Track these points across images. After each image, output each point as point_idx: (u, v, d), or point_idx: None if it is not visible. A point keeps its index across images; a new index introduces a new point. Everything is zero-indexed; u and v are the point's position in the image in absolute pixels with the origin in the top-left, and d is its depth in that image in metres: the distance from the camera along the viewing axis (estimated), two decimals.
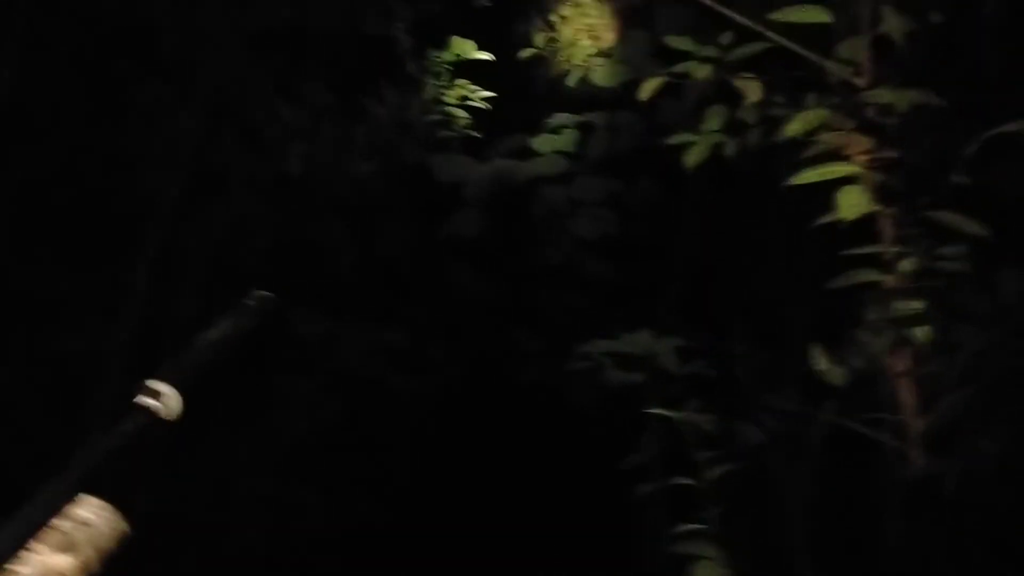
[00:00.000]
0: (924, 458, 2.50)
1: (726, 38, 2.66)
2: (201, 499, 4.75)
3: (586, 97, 5.21)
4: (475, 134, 4.80)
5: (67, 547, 1.02)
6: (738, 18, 2.68)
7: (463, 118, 4.72)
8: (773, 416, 3.11)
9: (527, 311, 5.64)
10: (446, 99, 4.65)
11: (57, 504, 1.03)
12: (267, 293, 1.28)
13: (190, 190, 4.45)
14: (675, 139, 2.94)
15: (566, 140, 5.05)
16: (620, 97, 5.30)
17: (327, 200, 4.94)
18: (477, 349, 5.59)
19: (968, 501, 2.56)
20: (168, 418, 1.10)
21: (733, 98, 2.89)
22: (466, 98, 4.64)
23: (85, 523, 1.04)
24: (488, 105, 4.76)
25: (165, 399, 1.10)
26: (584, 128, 5.23)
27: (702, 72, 2.61)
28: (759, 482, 3.24)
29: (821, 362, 2.85)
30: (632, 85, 5.18)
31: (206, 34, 4.26)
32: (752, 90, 2.69)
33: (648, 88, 2.71)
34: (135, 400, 1.10)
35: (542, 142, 5.04)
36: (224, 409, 4.97)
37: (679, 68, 2.67)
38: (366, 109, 4.59)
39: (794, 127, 2.29)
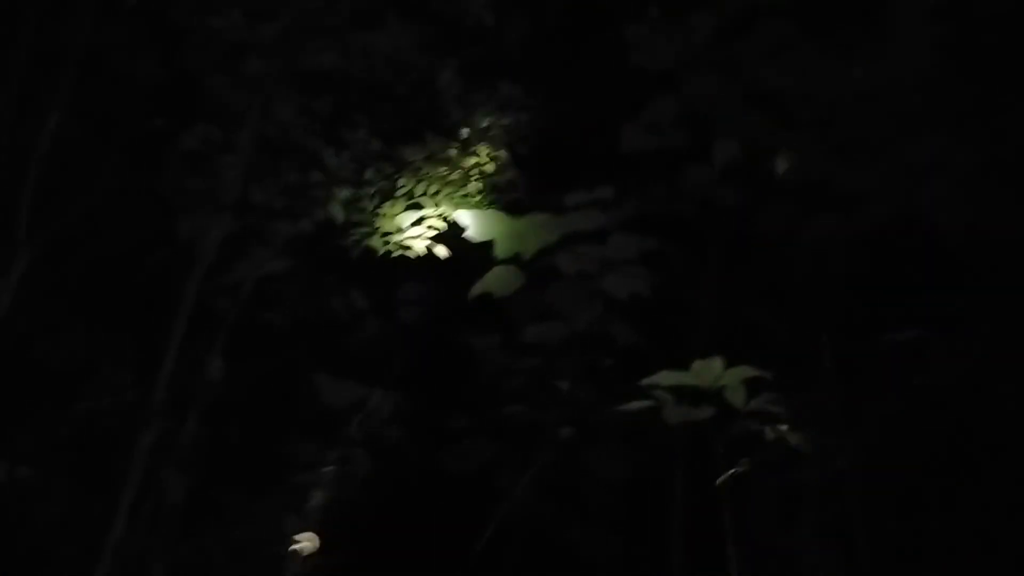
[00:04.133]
0: None
1: None
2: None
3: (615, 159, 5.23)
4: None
5: None
6: None
7: (502, 169, 4.69)
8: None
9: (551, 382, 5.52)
10: (487, 149, 4.61)
11: None
12: None
13: (230, 238, 4.35)
14: None
15: (601, 194, 5.01)
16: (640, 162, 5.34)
17: (359, 259, 4.86)
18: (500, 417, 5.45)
19: None
20: None
21: None
22: (511, 146, 4.61)
23: None
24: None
25: None
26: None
27: None
28: None
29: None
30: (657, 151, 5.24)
31: (251, 79, 4.24)
32: None
33: None
34: None
35: (576, 197, 5.00)
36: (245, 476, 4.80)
37: None
38: (407, 159, 4.55)
39: None
